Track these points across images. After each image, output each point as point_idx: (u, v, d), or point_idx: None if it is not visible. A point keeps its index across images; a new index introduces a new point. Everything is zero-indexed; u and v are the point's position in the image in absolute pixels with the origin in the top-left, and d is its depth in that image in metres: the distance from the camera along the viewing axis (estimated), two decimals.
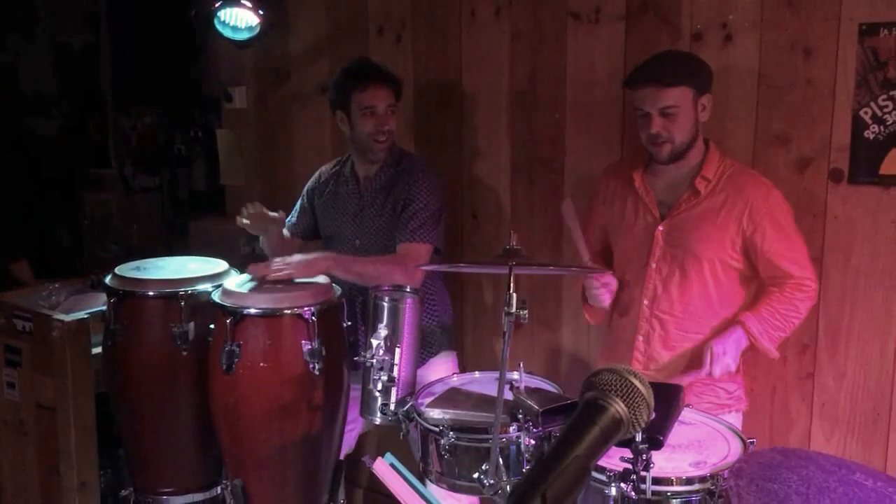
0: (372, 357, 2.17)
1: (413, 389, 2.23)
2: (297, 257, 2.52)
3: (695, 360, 2.35)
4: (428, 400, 2.16)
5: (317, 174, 2.96)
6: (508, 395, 1.90)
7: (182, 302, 2.56)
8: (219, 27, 3.31)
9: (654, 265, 2.37)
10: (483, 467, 1.84)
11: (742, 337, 2.27)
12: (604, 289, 2.40)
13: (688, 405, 2.02)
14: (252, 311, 2.39)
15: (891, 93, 2.34)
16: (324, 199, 2.88)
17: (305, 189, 2.97)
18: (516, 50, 3.00)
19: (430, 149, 3.20)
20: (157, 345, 2.58)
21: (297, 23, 3.60)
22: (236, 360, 2.37)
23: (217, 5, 3.25)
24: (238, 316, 2.38)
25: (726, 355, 2.25)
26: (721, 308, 2.34)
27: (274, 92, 3.75)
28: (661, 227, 2.36)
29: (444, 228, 2.75)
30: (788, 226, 2.30)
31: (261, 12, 3.29)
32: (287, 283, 2.53)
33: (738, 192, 2.28)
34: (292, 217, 2.98)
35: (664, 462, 1.79)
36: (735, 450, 1.88)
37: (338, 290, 2.56)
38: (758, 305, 2.31)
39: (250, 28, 3.34)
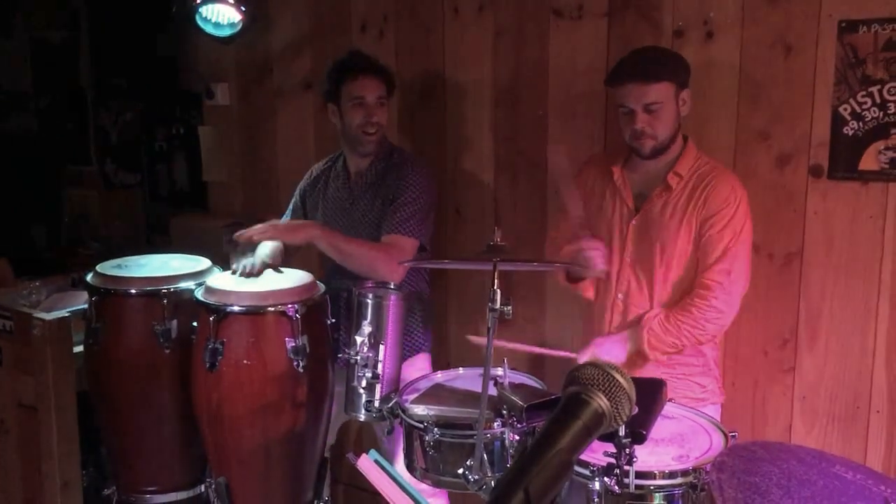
0: (356, 354, 2.17)
1: (397, 386, 2.24)
2: (283, 221, 2.51)
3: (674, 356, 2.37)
4: (412, 396, 2.16)
5: (309, 172, 2.96)
6: (493, 391, 1.91)
7: (164, 300, 2.54)
8: (200, 23, 3.29)
9: (627, 259, 2.38)
10: (468, 463, 1.85)
11: (623, 341, 2.31)
12: (595, 251, 2.33)
13: (670, 399, 2.03)
14: (235, 308, 2.38)
15: (869, 89, 2.36)
16: (315, 194, 2.88)
17: (298, 188, 2.96)
18: (499, 46, 3.00)
19: (414, 145, 3.20)
20: (140, 343, 2.57)
21: (279, 19, 3.58)
22: (220, 357, 2.37)
23: (198, 2, 3.23)
24: (221, 313, 2.37)
25: (604, 352, 2.29)
26: None
27: (256, 88, 3.73)
28: (633, 222, 2.37)
29: (432, 226, 2.74)
30: (735, 240, 2.24)
31: (243, 8, 3.27)
32: (271, 278, 2.53)
33: (703, 189, 2.28)
34: (286, 216, 2.97)
35: (647, 456, 1.80)
36: (717, 443, 1.89)
37: (321, 286, 2.56)
38: (670, 314, 2.28)
39: (232, 24, 3.32)
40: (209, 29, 3.33)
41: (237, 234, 2.54)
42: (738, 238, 2.25)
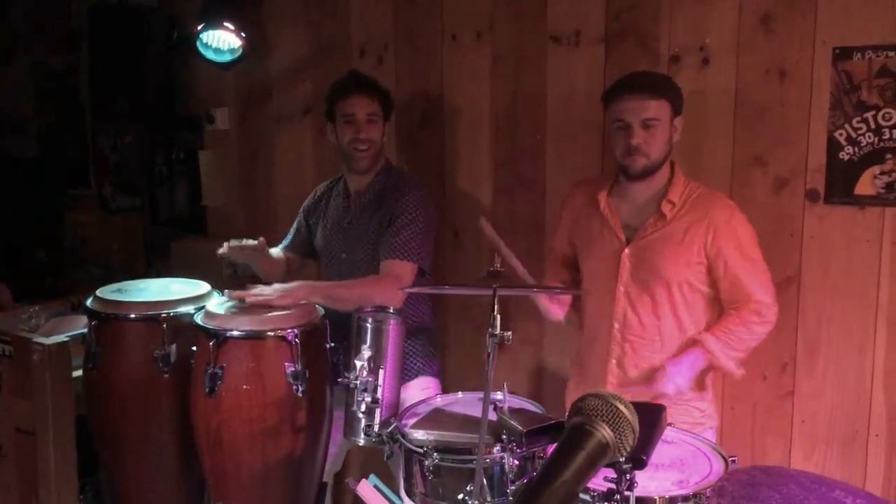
0: (356, 378, 2.17)
1: (397, 411, 2.23)
2: (275, 286, 2.52)
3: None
4: (412, 421, 2.16)
5: (313, 191, 2.99)
6: (492, 416, 1.91)
7: (164, 324, 2.54)
8: (201, 49, 3.32)
9: (622, 289, 2.37)
10: (467, 488, 1.85)
11: (699, 357, 2.27)
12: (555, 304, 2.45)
13: (670, 424, 2.03)
14: (235, 333, 2.38)
15: (864, 115, 2.39)
16: (317, 213, 2.91)
17: (302, 207, 2.99)
18: (497, 72, 3.03)
19: (413, 169, 3.22)
20: (139, 368, 2.56)
21: (279, 45, 3.61)
22: (219, 382, 2.36)
23: (199, 28, 3.26)
24: (221, 338, 2.37)
25: (679, 375, 2.24)
26: (691, 329, 2.34)
27: (256, 113, 3.76)
28: (627, 251, 2.36)
29: (432, 248, 2.74)
30: (751, 248, 2.30)
31: (243, 35, 3.30)
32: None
33: (703, 215, 2.29)
34: (289, 235, 3.00)
35: (647, 481, 1.80)
36: (717, 468, 1.89)
37: (321, 311, 2.56)
38: (715, 327, 2.31)
39: (232, 50, 3.35)
40: (210, 54, 3.36)
41: (229, 293, 2.54)
42: (754, 255, 2.30)
